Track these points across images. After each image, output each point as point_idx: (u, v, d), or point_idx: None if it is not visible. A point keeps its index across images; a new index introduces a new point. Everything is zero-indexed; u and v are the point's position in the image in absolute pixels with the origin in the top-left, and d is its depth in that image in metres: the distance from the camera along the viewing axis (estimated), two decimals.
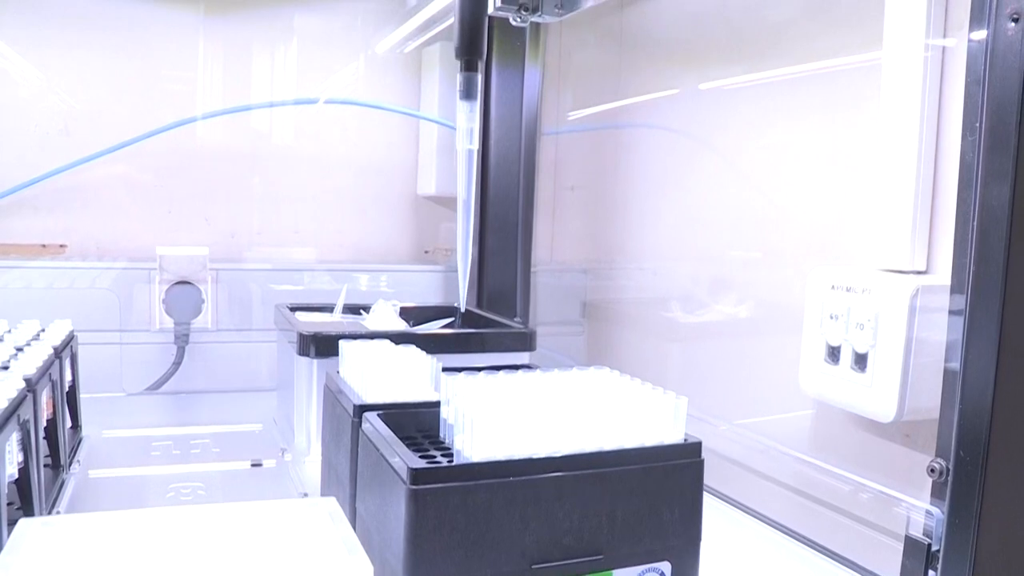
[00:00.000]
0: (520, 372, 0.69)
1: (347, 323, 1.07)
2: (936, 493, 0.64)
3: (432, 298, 1.44)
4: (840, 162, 0.98)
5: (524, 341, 1.04)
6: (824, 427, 1.00)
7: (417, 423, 0.66)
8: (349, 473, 0.66)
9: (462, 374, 0.65)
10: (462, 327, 1.15)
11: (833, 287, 0.89)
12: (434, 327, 1.10)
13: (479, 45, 0.86)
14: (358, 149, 1.50)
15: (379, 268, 1.42)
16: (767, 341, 1.14)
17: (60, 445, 0.82)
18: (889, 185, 0.83)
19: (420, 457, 0.55)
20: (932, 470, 0.63)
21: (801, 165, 1.04)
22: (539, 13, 1.17)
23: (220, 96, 1.38)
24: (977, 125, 0.58)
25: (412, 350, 0.76)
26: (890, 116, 0.82)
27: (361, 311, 1.10)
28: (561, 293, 1.49)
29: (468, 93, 0.86)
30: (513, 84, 1.34)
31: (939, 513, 0.63)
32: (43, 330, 0.92)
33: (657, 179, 1.39)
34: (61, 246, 1.35)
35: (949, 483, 0.61)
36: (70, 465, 0.87)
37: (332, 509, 0.60)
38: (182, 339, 1.26)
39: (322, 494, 0.77)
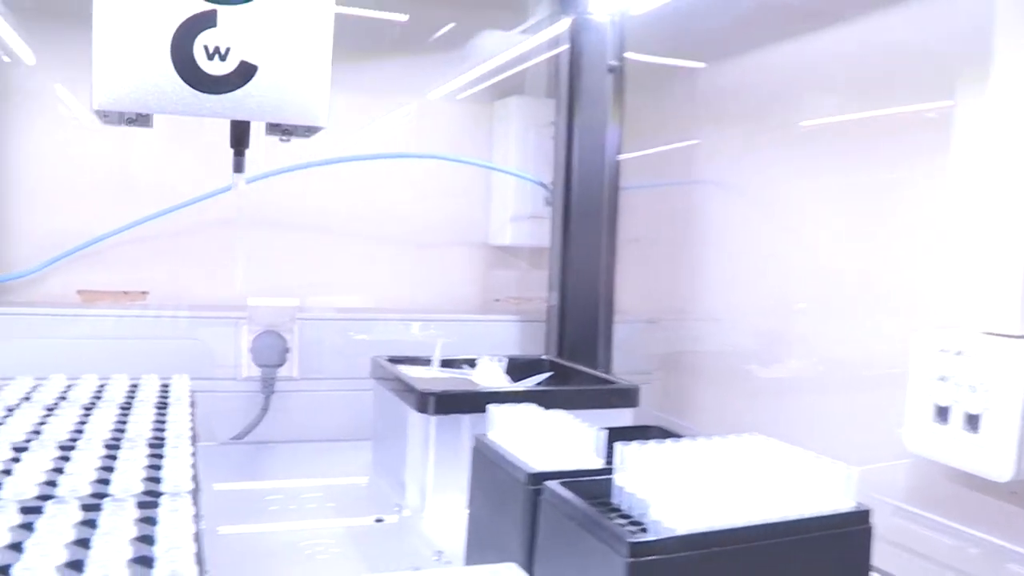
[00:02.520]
0: (683, 440, 0.70)
1: (457, 379, 1.08)
2: None
3: (508, 348, 1.45)
4: (912, 221, 1.00)
5: (629, 397, 1.05)
6: (918, 482, 1.02)
7: (589, 492, 0.66)
8: (520, 541, 0.67)
9: (634, 443, 0.66)
10: (554, 379, 1.16)
11: (942, 350, 0.90)
12: (532, 382, 1.11)
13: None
14: (430, 200, 1.51)
15: (457, 318, 1.43)
16: (847, 396, 1.15)
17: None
18: (994, 248, 0.85)
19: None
20: None
21: (876, 222, 1.06)
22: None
23: (294, 150, 1.40)
24: None
25: (569, 416, 0.77)
26: (992, 172, 0.83)
27: (465, 365, 1.11)
28: (629, 344, 1.50)
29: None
30: (596, 138, 1.36)
31: None
32: (166, 385, 0.93)
33: (725, 233, 1.41)
34: (143, 293, 1.36)
35: None
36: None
37: None
38: (269, 387, 1.27)
39: (468, 558, 0.78)
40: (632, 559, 0.53)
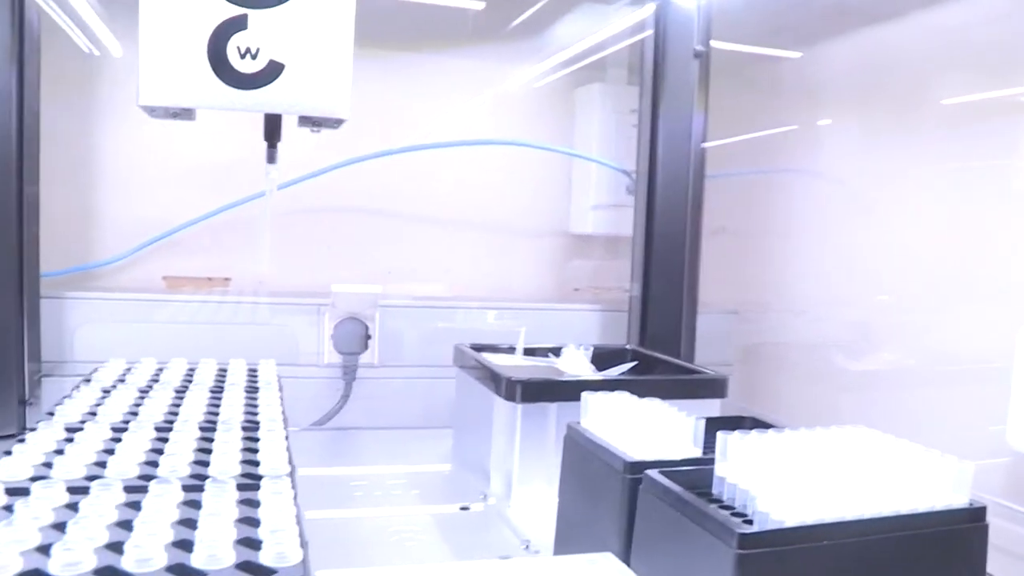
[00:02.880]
0: (786, 431, 0.68)
1: (542, 367, 1.07)
2: None
3: (588, 338, 1.43)
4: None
5: (718, 388, 1.03)
6: (1020, 480, 0.98)
7: (689, 481, 0.65)
8: (616, 532, 0.66)
9: (736, 432, 0.64)
10: (639, 369, 1.14)
11: None
12: (617, 371, 1.10)
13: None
14: (511, 188, 1.50)
15: (537, 307, 1.42)
16: (942, 390, 1.12)
17: None
18: None
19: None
20: None
21: (980, 212, 1.03)
22: None
23: (377, 138, 1.40)
24: None
25: (664, 404, 0.75)
26: None
27: (549, 354, 1.10)
28: (711, 335, 1.48)
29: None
30: (681, 126, 1.33)
31: None
32: (254, 369, 0.93)
33: (813, 223, 1.37)
34: (225, 279, 1.37)
35: None
36: None
37: (616, 567, 0.60)
38: (350, 374, 1.27)
39: (558, 548, 0.77)
40: (741, 551, 0.51)
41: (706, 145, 1.37)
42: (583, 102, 1.50)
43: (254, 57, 0.82)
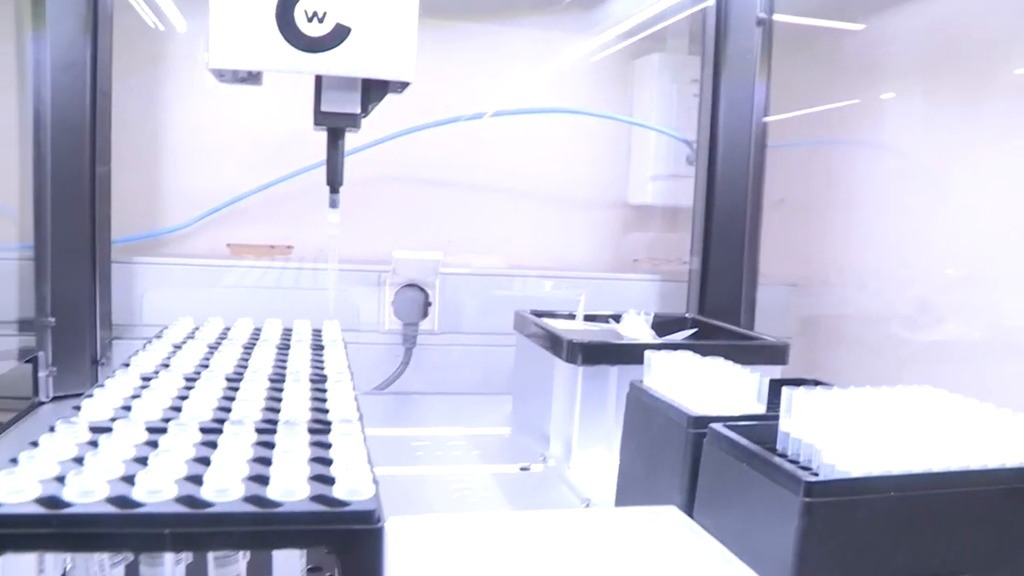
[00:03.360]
0: (851, 388, 0.67)
1: (603, 331, 1.07)
2: None
3: (647, 308, 1.43)
4: None
5: (779, 354, 1.02)
6: None
7: (753, 437, 0.65)
8: (679, 486, 0.66)
9: (802, 388, 0.64)
10: (699, 337, 1.13)
11: None
12: (678, 338, 1.09)
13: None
14: (569, 159, 1.50)
15: (595, 277, 1.43)
16: (1009, 365, 1.10)
17: None
18: None
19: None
20: None
21: None
22: None
23: (437, 108, 1.40)
24: None
25: (727, 363, 0.75)
26: None
27: (609, 320, 1.10)
28: (771, 308, 1.47)
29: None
30: (743, 94, 1.32)
31: None
32: (318, 330, 0.95)
33: (873, 196, 1.36)
34: (288, 247, 1.39)
35: None
36: None
37: (680, 519, 0.60)
38: (410, 340, 1.29)
39: (618, 504, 0.77)
40: (808, 499, 0.51)
41: (769, 119, 1.35)
42: (642, 73, 1.50)
43: (321, 20, 0.82)
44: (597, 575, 0.52)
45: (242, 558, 0.48)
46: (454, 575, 0.52)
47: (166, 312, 1.24)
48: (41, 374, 1.13)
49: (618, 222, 1.53)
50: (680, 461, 0.66)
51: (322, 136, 1.31)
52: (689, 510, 0.64)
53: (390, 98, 1.27)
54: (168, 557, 0.47)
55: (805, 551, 0.51)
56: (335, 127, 0.92)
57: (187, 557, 0.55)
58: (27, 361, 1.13)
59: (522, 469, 0.95)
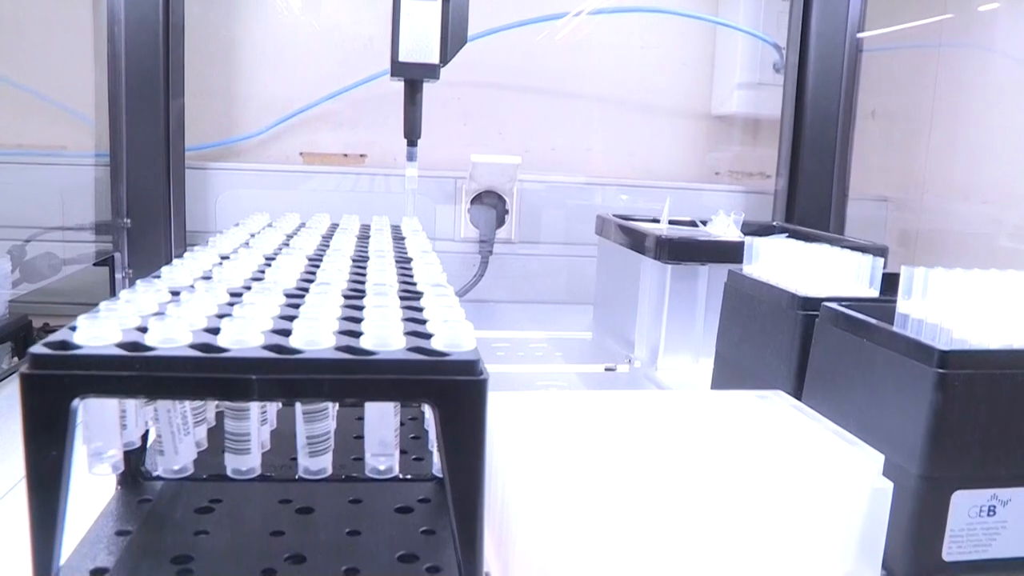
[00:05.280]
0: (974, 269, 0.62)
1: (692, 231, 1.02)
2: None
3: None
4: None
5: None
6: None
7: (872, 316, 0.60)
8: (786, 371, 0.62)
9: (920, 268, 0.59)
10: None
11: None
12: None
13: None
14: (649, 66, 1.44)
15: (678, 186, 1.38)
16: None
17: None
18: None
19: None
20: None
21: None
22: None
23: (513, 9, 1.35)
24: None
25: (835, 248, 0.70)
26: None
27: (698, 223, 1.05)
28: (861, 222, 1.40)
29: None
30: None
31: None
32: (396, 225, 0.92)
33: (982, 105, 1.28)
34: (361, 156, 1.36)
35: None
36: None
37: (790, 402, 0.56)
38: (487, 249, 1.25)
39: None
40: (943, 370, 0.47)
41: (864, 35, 1.28)
42: None
43: None
44: (713, 454, 0.49)
45: (332, 419, 0.45)
46: (563, 446, 0.48)
47: (240, 218, 1.22)
48: (117, 275, 1.12)
49: (701, 133, 1.47)
50: (787, 344, 0.62)
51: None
52: (797, 395, 0.60)
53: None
54: (254, 411, 0.44)
55: (938, 428, 0.47)
56: (413, 79, 0.88)
57: (272, 421, 0.52)
58: (101, 263, 1.13)
59: (607, 369, 0.91)
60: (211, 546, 0.47)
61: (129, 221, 1.13)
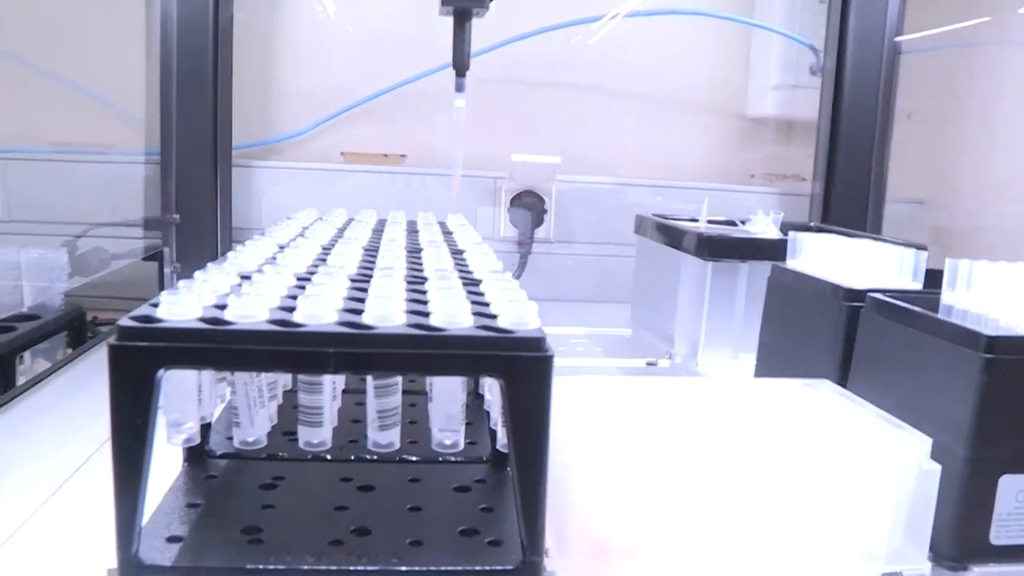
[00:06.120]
0: (1018, 262, 0.63)
1: (731, 230, 1.04)
2: None
3: None
4: None
5: None
6: None
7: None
8: (832, 361, 0.63)
9: (965, 260, 0.60)
10: None
11: None
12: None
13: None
14: (684, 67, 1.46)
15: (712, 187, 1.39)
16: None
17: None
18: None
19: None
20: None
21: None
22: None
23: (549, 12, 1.37)
24: None
25: (878, 242, 0.72)
26: None
27: (737, 222, 1.07)
28: (895, 222, 1.41)
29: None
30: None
31: None
32: (442, 221, 0.94)
33: (1021, 104, 1.28)
34: (401, 156, 1.38)
35: None
36: None
37: (836, 390, 0.57)
38: (526, 248, 1.27)
39: None
40: (990, 355, 0.48)
41: (903, 39, 1.29)
42: None
43: None
44: (762, 436, 0.50)
45: (400, 392, 0.47)
46: (619, 426, 0.50)
47: (284, 215, 1.25)
48: (166, 270, 1.15)
49: (735, 134, 1.48)
50: (832, 335, 0.63)
51: (434, 42, 1.30)
52: (842, 385, 0.61)
53: (505, 2, 1.25)
54: (327, 386, 0.46)
55: (985, 412, 0.48)
56: (461, 8, 0.90)
57: (339, 400, 0.54)
58: (149, 258, 1.15)
59: (648, 364, 0.93)
60: (278, 518, 0.49)
61: (178, 217, 1.15)
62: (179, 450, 0.56)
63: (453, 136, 0.99)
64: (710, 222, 1.09)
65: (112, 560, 0.43)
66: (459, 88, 0.93)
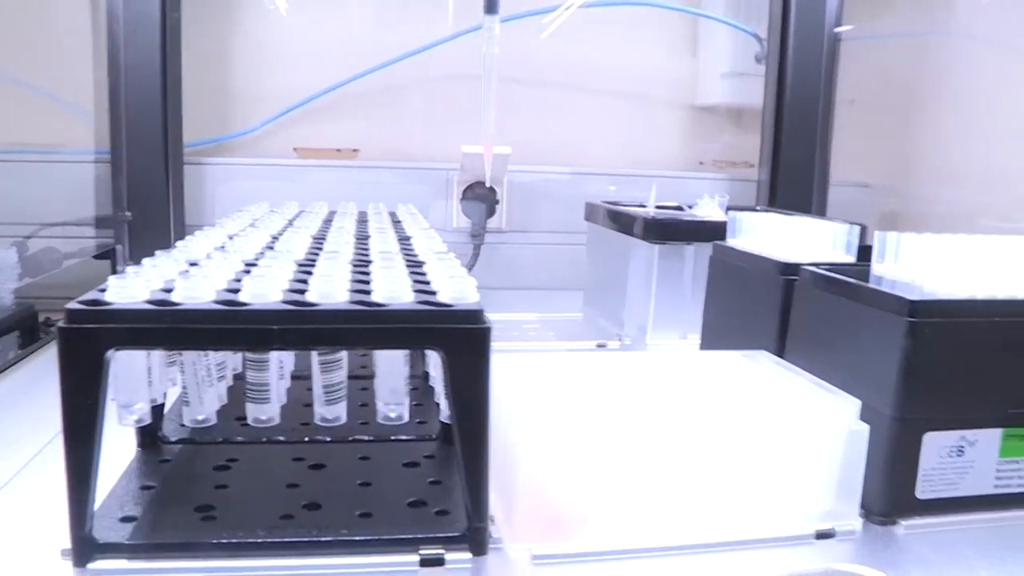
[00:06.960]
0: (946, 234, 0.66)
1: (678, 214, 1.06)
2: None
3: None
4: None
5: None
6: None
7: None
8: (770, 333, 0.65)
9: (893, 232, 0.62)
10: None
11: None
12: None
13: None
14: (631, 57, 1.47)
15: (662, 175, 1.40)
16: None
17: None
18: None
19: None
20: None
21: None
22: None
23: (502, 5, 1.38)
24: None
25: (814, 219, 0.74)
26: None
27: (685, 207, 1.09)
28: (841, 206, 1.44)
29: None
30: None
31: None
32: (392, 212, 0.95)
33: (960, 92, 1.31)
34: (354, 150, 1.39)
35: None
36: None
37: (773, 360, 0.59)
38: (479, 238, 1.28)
39: None
40: (914, 319, 0.50)
41: (840, 29, 1.31)
42: None
43: None
44: (701, 403, 0.52)
45: (344, 369, 0.48)
46: (561, 398, 0.52)
47: (233, 207, 1.26)
48: (119, 268, 1.15)
49: (684, 122, 1.50)
50: (771, 309, 0.65)
51: (382, 40, 1.31)
52: (780, 355, 0.63)
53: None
54: (273, 363, 0.47)
55: (910, 373, 0.50)
56: None
57: (287, 380, 0.55)
58: (102, 256, 1.15)
59: (598, 346, 0.94)
60: (231, 497, 0.50)
61: (130, 215, 1.15)
62: (133, 439, 0.57)
63: (487, 56, 0.97)
64: (659, 207, 1.11)
65: (66, 542, 0.43)
66: (490, 10, 0.90)
